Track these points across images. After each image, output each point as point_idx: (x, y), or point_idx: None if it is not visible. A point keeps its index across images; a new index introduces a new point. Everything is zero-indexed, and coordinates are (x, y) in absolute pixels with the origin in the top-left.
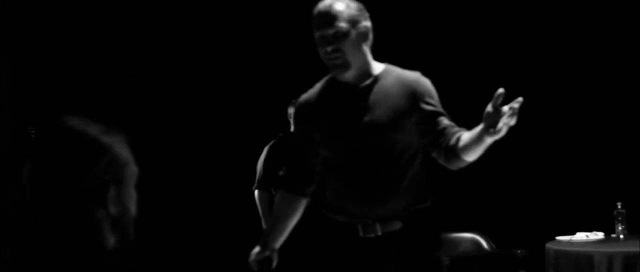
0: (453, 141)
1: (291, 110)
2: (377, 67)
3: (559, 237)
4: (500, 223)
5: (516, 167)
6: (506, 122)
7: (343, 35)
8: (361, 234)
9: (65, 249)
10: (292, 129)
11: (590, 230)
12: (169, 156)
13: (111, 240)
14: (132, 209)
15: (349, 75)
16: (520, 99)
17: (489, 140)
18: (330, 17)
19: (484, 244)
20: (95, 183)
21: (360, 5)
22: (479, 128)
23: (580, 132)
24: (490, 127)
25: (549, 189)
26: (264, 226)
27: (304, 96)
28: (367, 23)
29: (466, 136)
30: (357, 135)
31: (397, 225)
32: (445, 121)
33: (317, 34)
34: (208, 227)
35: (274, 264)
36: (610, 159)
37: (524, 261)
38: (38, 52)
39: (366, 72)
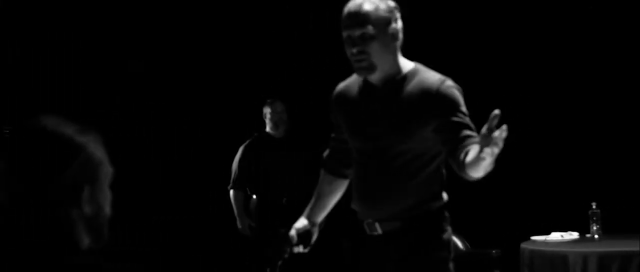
0: (463, 155)
1: (266, 110)
2: (405, 68)
3: (534, 237)
4: (476, 223)
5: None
6: (489, 150)
7: (370, 37)
8: (367, 232)
9: (39, 249)
10: (267, 128)
11: (565, 230)
12: (144, 157)
13: (86, 240)
14: (107, 209)
15: (374, 77)
16: (504, 127)
17: (483, 162)
18: (358, 18)
19: (459, 244)
20: (70, 183)
21: (392, 6)
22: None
23: (555, 133)
24: (485, 150)
25: (524, 189)
26: (239, 225)
27: (340, 85)
28: (396, 24)
29: (471, 153)
30: (368, 136)
31: (397, 225)
32: (464, 132)
33: (344, 34)
34: (183, 226)
35: (314, 238)
36: (585, 159)
37: (499, 261)
38: (14, 51)
39: (392, 73)
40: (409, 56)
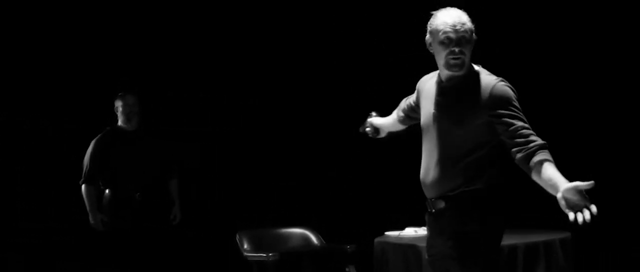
0: (524, 157)
1: (118, 103)
2: (470, 68)
3: (388, 232)
4: (331, 219)
5: (347, 164)
6: (569, 210)
7: (466, 41)
8: (428, 209)
9: None
10: (119, 122)
11: (419, 225)
12: None
13: None
14: None
15: (444, 74)
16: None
17: (550, 190)
18: (462, 22)
19: (314, 239)
20: None
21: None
22: (557, 183)
23: (408, 130)
24: (570, 209)
25: (379, 185)
26: (91, 220)
27: (425, 76)
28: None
29: (545, 174)
30: (432, 122)
31: (442, 204)
32: (517, 123)
33: (442, 36)
34: (35, 222)
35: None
36: None
37: (354, 256)
38: None
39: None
40: None
